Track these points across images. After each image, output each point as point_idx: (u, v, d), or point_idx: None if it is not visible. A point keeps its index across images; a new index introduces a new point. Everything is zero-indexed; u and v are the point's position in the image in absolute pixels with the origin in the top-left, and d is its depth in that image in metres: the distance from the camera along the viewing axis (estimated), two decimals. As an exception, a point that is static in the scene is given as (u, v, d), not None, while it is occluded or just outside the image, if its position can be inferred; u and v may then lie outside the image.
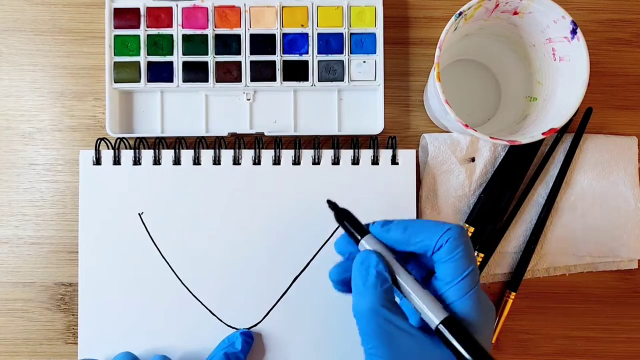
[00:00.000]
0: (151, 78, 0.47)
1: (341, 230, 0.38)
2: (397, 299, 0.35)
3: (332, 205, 0.38)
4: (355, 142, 0.46)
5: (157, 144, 0.46)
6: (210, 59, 0.47)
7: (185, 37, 0.47)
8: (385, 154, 0.46)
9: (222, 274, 0.46)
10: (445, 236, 0.34)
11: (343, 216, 0.37)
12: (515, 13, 0.41)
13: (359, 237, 0.36)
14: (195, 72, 0.47)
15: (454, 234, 0.34)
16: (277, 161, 0.46)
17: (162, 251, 0.46)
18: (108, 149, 0.47)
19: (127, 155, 0.46)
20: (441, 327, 0.33)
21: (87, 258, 0.46)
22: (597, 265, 0.48)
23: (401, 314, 0.34)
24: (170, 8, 0.47)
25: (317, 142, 0.46)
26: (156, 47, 0.47)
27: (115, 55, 0.47)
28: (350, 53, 0.47)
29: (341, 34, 0.47)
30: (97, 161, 0.46)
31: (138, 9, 0.47)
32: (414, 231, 0.35)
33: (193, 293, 0.46)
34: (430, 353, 0.33)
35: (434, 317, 0.33)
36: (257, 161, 0.46)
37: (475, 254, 0.46)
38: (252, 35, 0.47)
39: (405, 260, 0.37)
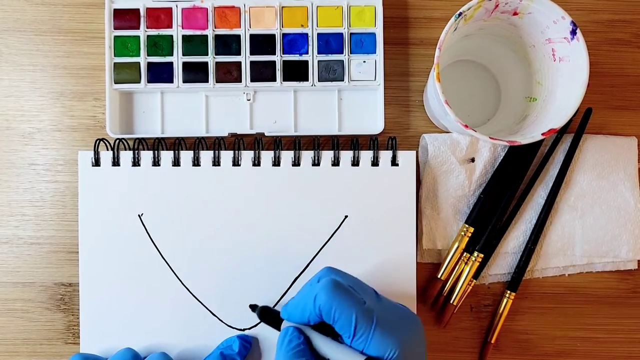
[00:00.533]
0: (151, 79, 0.47)
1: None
2: None
3: (252, 307, 0.43)
4: (355, 144, 0.46)
5: (157, 145, 0.46)
6: (210, 59, 0.47)
7: (185, 38, 0.47)
8: (385, 155, 0.46)
9: (222, 275, 0.46)
10: (316, 304, 0.36)
11: (264, 313, 0.42)
12: (515, 13, 0.41)
13: (279, 324, 0.40)
14: (195, 73, 0.47)
15: (321, 299, 0.36)
16: (276, 162, 0.46)
17: (162, 252, 0.46)
18: (107, 149, 0.47)
19: (126, 156, 0.46)
20: None
21: (88, 258, 0.46)
22: (597, 266, 0.48)
23: None
24: (170, 9, 0.47)
25: (317, 143, 0.46)
26: (156, 48, 0.47)
27: (115, 56, 0.47)
28: (350, 53, 0.47)
29: (341, 34, 0.47)
30: (96, 162, 0.46)
31: (138, 10, 0.47)
32: (300, 311, 0.38)
33: (193, 293, 0.46)
34: None
35: None
36: (256, 162, 0.46)
37: (475, 254, 0.46)
38: (252, 36, 0.47)
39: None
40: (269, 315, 0.42)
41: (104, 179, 0.46)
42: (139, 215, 0.46)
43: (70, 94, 0.49)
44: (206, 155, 0.46)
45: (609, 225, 0.47)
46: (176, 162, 0.46)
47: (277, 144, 0.46)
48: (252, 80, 0.47)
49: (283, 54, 0.47)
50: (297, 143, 0.46)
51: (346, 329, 0.36)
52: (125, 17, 0.47)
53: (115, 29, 0.47)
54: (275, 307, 0.46)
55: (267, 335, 0.46)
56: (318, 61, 0.47)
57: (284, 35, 0.47)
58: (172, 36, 0.47)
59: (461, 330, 0.48)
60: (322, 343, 0.38)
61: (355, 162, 0.46)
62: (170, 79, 0.47)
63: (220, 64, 0.47)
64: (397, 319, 0.37)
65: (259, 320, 0.44)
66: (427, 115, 0.49)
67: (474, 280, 0.47)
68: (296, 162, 0.46)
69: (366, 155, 0.46)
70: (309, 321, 0.38)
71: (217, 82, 0.47)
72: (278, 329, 0.40)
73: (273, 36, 0.47)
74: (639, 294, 0.49)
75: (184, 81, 0.47)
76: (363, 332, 0.35)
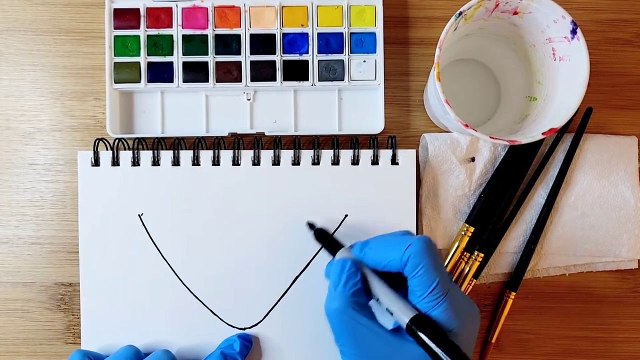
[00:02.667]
0: (151, 78, 0.47)
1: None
2: (375, 309, 0.38)
3: (310, 225, 0.43)
4: (355, 142, 0.46)
5: (156, 144, 0.46)
6: (210, 59, 0.47)
7: (185, 38, 0.47)
8: (385, 154, 0.46)
9: (222, 274, 0.46)
10: (407, 253, 0.36)
11: (321, 235, 0.42)
12: (515, 13, 0.41)
13: (336, 250, 0.40)
14: (195, 73, 0.47)
15: (414, 249, 0.36)
16: (276, 161, 0.46)
17: (162, 251, 0.46)
18: (107, 149, 0.47)
19: (125, 156, 0.46)
20: (410, 325, 0.35)
21: (88, 258, 0.46)
22: (597, 265, 0.48)
23: (369, 316, 0.37)
24: (170, 8, 0.47)
25: (316, 142, 0.46)
26: (156, 48, 0.47)
27: (115, 55, 0.47)
28: (351, 53, 0.47)
29: (341, 34, 0.47)
30: (96, 162, 0.46)
31: (138, 10, 0.47)
32: (382, 251, 0.38)
33: (194, 293, 0.46)
34: (399, 352, 0.36)
35: (404, 316, 0.36)
36: (256, 162, 0.46)
37: (475, 253, 0.46)
38: (252, 35, 0.47)
39: (391, 277, 0.39)
40: (326, 239, 0.41)
41: (104, 179, 0.46)
42: (139, 215, 0.46)
43: (70, 94, 0.49)
44: (206, 155, 0.46)
45: (609, 225, 0.47)
46: (176, 162, 0.46)
47: (277, 143, 0.46)
48: (252, 80, 0.47)
49: (283, 53, 0.47)
50: (296, 142, 0.46)
51: (423, 287, 0.36)
52: (125, 17, 0.47)
53: (115, 28, 0.47)
54: (275, 308, 0.46)
55: (267, 334, 0.46)
56: (318, 61, 0.47)
57: (284, 34, 0.47)
58: (172, 36, 0.47)
59: (461, 330, 0.48)
60: (380, 288, 0.37)
61: (355, 161, 0.46)
62: (170, 79, 0.47)
63: (220, 63, 0.47)
64: (464, 301, 0.38)
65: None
66: (427, 114, 0.49)
67: (475, 280, 0.47)
68: (296, 161, 0.46)
69: (366, 154, 0.46)
70: (384, 266, 0.37)
71: (217, 81, 0.47)
72: (332, 253, 0.40)
73: (273, 36, 0.47)
74: (639, 294, 0.49)
75: (184, 81, 0.47)
76: (435, 297, 0.36)
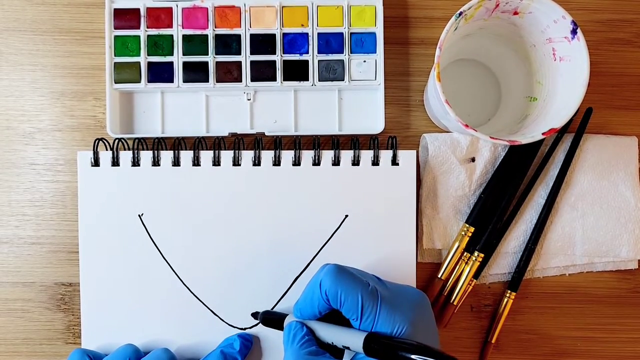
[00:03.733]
0: (151, 78, 0.47)
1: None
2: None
3: (254, 316, 0.45)
4: (356, 143, 0.46)
5: (157, 144, 0.46)
6: (211, 59, 0.47)
7: (186, 38, 0.47)
8: (385, 155, 0.46)
9: (223, 274, 0.46)
10: (322, 289, 0.37)
11: (266, 318, 0.43)
12: (516, 13, 0.41)
13: (282, 321, 0.41)
14: (195, 73, 0.47)
15: (326, 283, 0.37)
16: (277, 162, 0.46)
17: (162, 251, 0.46)
18: (106, 149, 0.46)
19: (125, 156, 0.46)
20: (366, 344, 0.36)
21: (88, 258, 0.46)
22: (597, 265, 0.48)
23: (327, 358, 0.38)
24: (170, 8, 0.47)
25: (317, 143, 0.46)
26: (156, 48, 0.47)
27: (115, 55, 0.47)
28: (351, 53, 0.47)
29: (341, 34, 0.47)
30: (95, 162, 0.46)
31: (138, 10, 0.47)
32: (309, 301, 0.39)
33: (194, 292, 0.46)
34: None
35: (357, 341, 0.36)
36: (257, 162, 0.46)
37: (475, 254, 0.46)
38: (252, 35, 0.47)
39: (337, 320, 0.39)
40: (271, 319, 0.43)
41: (104, 179, 0.46)
42: (139, 216, 0.46)
43: (70, 94, 0.49)
44: (206, 155, 0.46)
45: (609, 225, 0.47)
46: (176, 162, 0.46)
47: (277, 143, 0.46)
48: (252, 80, 0.47)
49: (283, 53, 0.47)
50: (297, 142, 0.46)
51: (353, 310, 0.36)
52: (125, 17, 0.47)
53: (115, 28, 0.47)
54: (275, 308, 0.46)
55: (267, 334, 0.46)
56: (318, 61, 0.47)
57: (284, 34, 0.47)
58: (172, 36, 0.47)
59: (462, 330, 0.48)
60: (324, 330, 0.38)
61: (356, 162, 0.46)
62: (170, 79, 0.47)
63: (221, 63, 0.47)
64: (403, 296, 0.38)
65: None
66: (427, 114, 0.49)
67: (475, 280, 0.47)
68: (296, 162, 0.46)
69: (366, 155, 0.46)
70: (320, 312, 0.38)
71: (217, 81, 0.47)
72: (282, 329, 0.41)
73: (273, 36, 0.47)
74: (639, 294, 0.49)
75: (184, 81, 0.47)
76: (370, 312, 0.36)
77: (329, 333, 0.38)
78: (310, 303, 0.38)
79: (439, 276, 0.47)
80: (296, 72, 0.47)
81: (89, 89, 0.49)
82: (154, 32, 0.47)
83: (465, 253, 0.47)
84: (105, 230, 0.46)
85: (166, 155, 0.46)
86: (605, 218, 0.47)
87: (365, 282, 0.37)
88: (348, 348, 0.37)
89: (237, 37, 0.47)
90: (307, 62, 0.47)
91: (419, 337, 0.36)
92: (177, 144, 0.46)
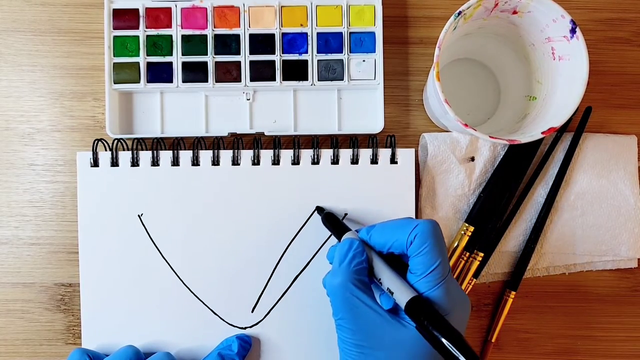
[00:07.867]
0: (151, 79, 0.47)
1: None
2: (375, 291, 0.39)
3: (319, 209, 0.45)
4: (355, 142, 0.46)
5: (156, 145, 0.46)
6: (210, 59, 0.47)
7: (185, 38, 0.47)
8: (384, 153, 0.46)
9: (222, 274, 0.46)
10: (414, 232, 0.37)
11: (329, 218, 0.43)
12: (515, 12, 0.41)
13: (342, 234, 0.41)
14: (194, 73, 0.47)
15: (421, 230, 0.37)
16: (276, 161, 0.46)
17: (162, 251, 0.46)
18: (106, 150, 0.46)
19: (124, 156, 0.46)
20: (409, 304, 0.36)
21: (88, 259, 0.46)
22: (597, 264, 0.48)
23: (369, 294, 0.38)
24: (169, 8, 0.47)
25: (316, 142, 0.46)
26: (155, 48, 0.47)
27: (114, 56, 0.47)
28: (350, 52, 0.47)
29: (340, 33, 0.47)
30: (95, 163, 0.46)
31: (137, 10, 0.47)
32: (390, 232, 0.38)
33: (194, 292, 0.46)
34: (394, 330, 0.37)
35: (404, 296, 0.36)
36: (256, 161, 0.46)
37: (475, 253, 0.46)
38: (251, 35, 0.47)
39: (393, 262, 0.40)
40: (333, 222, 0.42)
41: (103, 180, 0.46)
42: (138, 216, 0.46)
43: (69, 94, 0.49)
44: (205, 155, 0.46)
45: (609, 224, 0.47)
46: (175, 162, 0.46)
47: (277, 143, 0.46)
48: (251, 80, 0.47)
49: (282, 53, 0.47)
50: (296, 142, 0.46)
51: (425, 266, 0.37)
52: (124, 17, 0.47)
53: (114, 29, 0.47)
54: (276, 307, 0.46)
55: (267, 334, 0.46)
56: (318, 60, 0.47)
57: (284, 34, 0.47)
58: (171, 36, 0.47)
59: (461, 330, 0.48)
60: (383, 269, 0.38)
61: (355, 160, 0.46)
62: (169, 79, 0.47)
63: (220, 63, 0.47)
64: (458, 290, 0.39)
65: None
66: (426, 114, 0.49)
67: (474, 279, 0.47)
68: (296, 161, 0.46)
69: (365, 153, 0.46)
70: (389, 248, 0.38)
71: (216, 81, 0.47)
72: (337, 237, 0.41)
73: (272, 36, 0.47)
74: (639, 293, 0.49)
75: (184, 81, 0.47)
76: (435, 278, 0.37)
77: (385, 275, 0.38)
78: (389, 234, 0.38)
79: (439, 275, 0.47)
80: (295, 71, 0.47)
81: (88, 90, 0.49)
82: (153, 32, 0.47)
83: (465, 252, 0.47)
84: (105, 230, 0.46)
85: (165, 155, 0.46)
86: (605, 217, 0.47)
87: (447, 259, 0.38)
88: (392, 293, 0.37)
89: (236, 37, 0.47)
90: (306, 61, 0.47)
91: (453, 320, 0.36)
92: (176, 144, 0.46)
